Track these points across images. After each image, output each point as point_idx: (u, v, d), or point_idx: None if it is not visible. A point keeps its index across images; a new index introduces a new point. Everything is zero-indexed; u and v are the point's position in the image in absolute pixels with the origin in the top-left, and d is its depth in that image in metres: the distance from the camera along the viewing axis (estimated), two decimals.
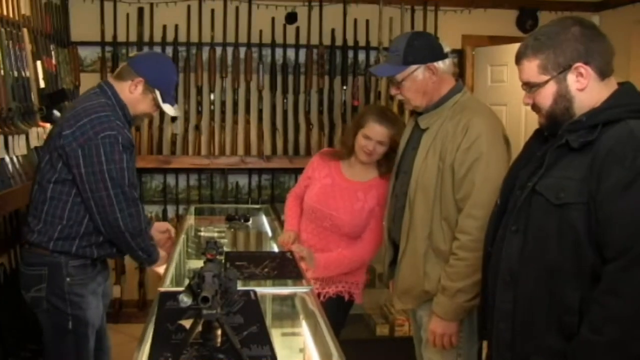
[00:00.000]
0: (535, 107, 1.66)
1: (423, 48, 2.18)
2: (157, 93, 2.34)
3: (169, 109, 2.40)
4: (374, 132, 2.53)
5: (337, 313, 2.72)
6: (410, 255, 2.20)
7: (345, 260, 2.64)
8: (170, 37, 4.35)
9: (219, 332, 1.56)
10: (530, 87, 1.63)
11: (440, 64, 2.18)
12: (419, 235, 2.17)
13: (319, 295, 2.67)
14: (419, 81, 2.17)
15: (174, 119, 4.35)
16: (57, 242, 2.25)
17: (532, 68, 1.61)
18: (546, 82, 1.59)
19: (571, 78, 1.58)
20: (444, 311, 2.11)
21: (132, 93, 2.33)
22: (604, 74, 1.58)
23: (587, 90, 1.57)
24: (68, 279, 2.26)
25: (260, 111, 4.43)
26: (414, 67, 2.16)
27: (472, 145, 2.06)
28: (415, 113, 2.30)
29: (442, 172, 2.11)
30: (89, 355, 2.34)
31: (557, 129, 1.62)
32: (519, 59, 1.64)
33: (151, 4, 4.35)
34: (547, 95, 1.60)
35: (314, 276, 2.63)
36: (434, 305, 2.15)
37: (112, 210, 2.21)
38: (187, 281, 1.62)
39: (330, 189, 2.69)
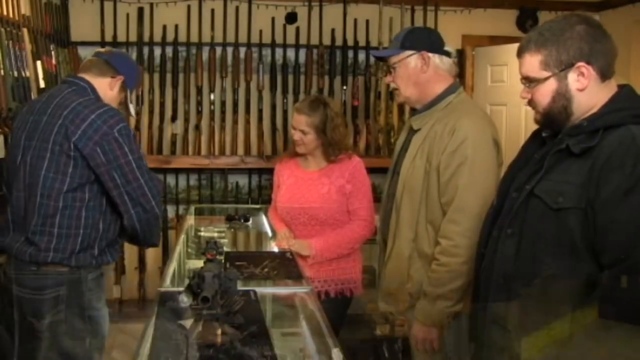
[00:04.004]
0: (531, 103, 1.64)
1: (422, 37, 2.19)
2: (128, 93, 2.33)
3: (132, 109, 2.40)
4: (295, 121, 2.75)
5: (339, 311, 2.75)
6: (395, 257, 2.18)
7: (340, 236, 2.68)
8: (170, 37, 4.35)
9: (219, 332, 1.56)
10: (529, 81, 1.62)
11: (436, 58, 2.15)
12: (404, 237, 2.15)
13: (319, 294, 2.68)
14: (410, 69, 2.15)
15: (174, 118, 4.35)
16: (79, 256, 2.14)
17: (533, 63, 1.59)
18: (547, 78, 1.58)
19: (572, 77, 1.56)
20: (425, 316, 2.09)
21: (112, 90, 2.27)
22: (605, 75, 1.57)
23: (586, 90, 1.56)
24: (88, 294, 2.15)
25: (260, 111, 4.43)
26: (408, 52, 2.15)
27: (457, 149, 2.03)
28: (410, 115, 2.30)
29: (429, 174, 2.09)
30: None
31: (552, 126, 1.61)
32: (521, 52, 1.63)
33: (151, 4, 4.34)
34: (546, 93, 1.59)
35: (315, 275, 2.67)
36: (415, 310, 2.12)
37: (147, 200, 2.16)
38: (187, 281, 1.62)
39: (295, 186, 2.79)
